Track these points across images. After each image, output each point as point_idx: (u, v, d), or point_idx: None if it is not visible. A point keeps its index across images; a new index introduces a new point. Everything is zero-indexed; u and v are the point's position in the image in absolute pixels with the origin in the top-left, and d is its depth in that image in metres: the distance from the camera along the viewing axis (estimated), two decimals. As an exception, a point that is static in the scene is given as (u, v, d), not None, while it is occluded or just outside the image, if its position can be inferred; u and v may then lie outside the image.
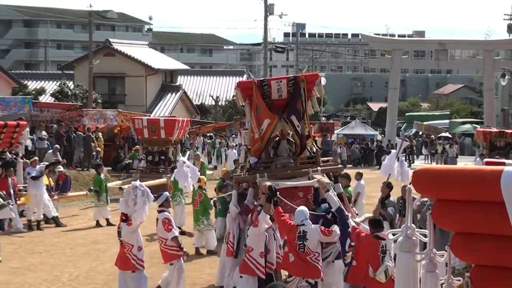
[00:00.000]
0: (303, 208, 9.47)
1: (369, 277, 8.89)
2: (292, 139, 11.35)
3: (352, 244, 9.51)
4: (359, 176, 17.42)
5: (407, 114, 63.39)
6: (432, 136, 44.70)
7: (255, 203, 10.61)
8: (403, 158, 14.05)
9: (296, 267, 9.28)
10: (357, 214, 10.55)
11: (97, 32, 60.49)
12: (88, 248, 15.69)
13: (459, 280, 6.03)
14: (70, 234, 17.41)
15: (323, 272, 9.58)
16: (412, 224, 5.87)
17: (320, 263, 9.32)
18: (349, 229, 9.46)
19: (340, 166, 11.89)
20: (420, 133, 48.92)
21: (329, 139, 43.68)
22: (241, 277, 10.01)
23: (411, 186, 5.62)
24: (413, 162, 39.86)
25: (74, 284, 12.42)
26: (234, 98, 12.66)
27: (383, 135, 48.10)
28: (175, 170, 17.04)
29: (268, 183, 9.95)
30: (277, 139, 11.45)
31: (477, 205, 5.22)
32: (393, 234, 6.16)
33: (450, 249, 5.66)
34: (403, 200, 13.68)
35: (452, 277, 5.94)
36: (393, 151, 14.42)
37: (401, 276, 5.77)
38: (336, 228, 9.34)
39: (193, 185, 15.90)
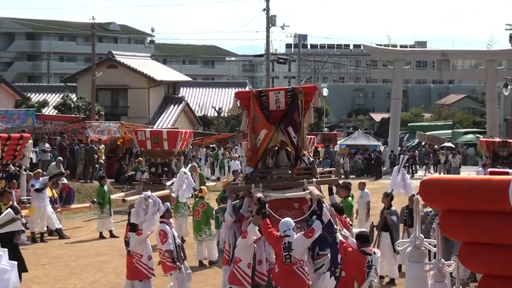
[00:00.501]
0: (287, 219, 9.51)
1: None
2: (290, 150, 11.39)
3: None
4: (362, 186, 17.43)
5: (409, 124, 63.41)
6: (435, 146, 44.69)
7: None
8: (405, 171, 14.06)
9: (282, 278, 9.36)
10: (351, 225, 10.51)
11: (99, 44, 60.58)
12: (91, 260, 15.65)
13: (468, 291, 5.99)
14: (73, 246, 17.37)
15: (315, 284, 9.55)
16: (421, 235, 5.84)
17: (305, 272, 9.38)
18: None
19: (335, 177, 11.97)
20: (423, 143, 48.89)
21: (332, 149, 43.73)
22: (230, 287, 10.08)
23: (419, 196, 5.59)
24: (416, 172, 39.88)
25: (78, 297, 12.38)
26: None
27: (385, 146, 48.07)
28: (175, 180, 17.20)
29: (258, 195, 10.00)
30: (276, 149, 11.51)
31: (485, 215, 5.19)
32: (401, 245, 6.14)
33: (458, 259, 5.63)
34: (409, 210, 13.69)
35: (460, 287, 5.90)
36: (395, 168, 14.38)
37: (411, 286, 5.74)
38: (316, 224, 9.39)
39: (193, 195, 15.89)
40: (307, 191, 10.20)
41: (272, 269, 9.78)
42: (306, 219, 10.05)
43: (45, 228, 18.19)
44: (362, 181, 18.88)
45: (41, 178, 18.45)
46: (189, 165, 23.17)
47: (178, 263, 10.62)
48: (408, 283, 5.96)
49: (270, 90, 11.48)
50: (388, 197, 13.77)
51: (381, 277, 13.41)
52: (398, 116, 46.09)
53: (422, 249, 5.83)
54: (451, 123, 61.73)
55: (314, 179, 10.73)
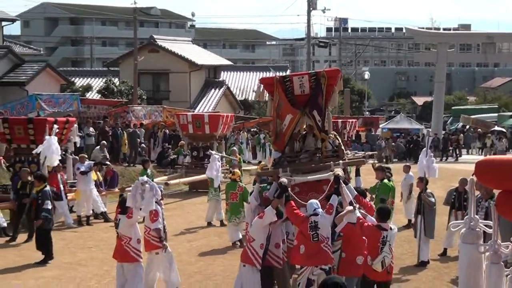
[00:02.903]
0: (313, 200, 9.80)
1: (367, 265, 9.11)
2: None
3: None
4: (407, 168, 17.51)
5: (453, 107, 62.36)
6: (479, 129, 43.96)
7: None
8: (432, 154, 13.93)
9: (309, 257, 9.52)
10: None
11: (140, 29, 60.79)
12: (136, 242, 15.74)
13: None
14: (118, 229, 17.49)
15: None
16: (476, 216, 5.69)
17: (330, 248, 9.61)
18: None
19: (362, 159, 12.12)
20: (467, 126, 48.10)
21: (373, 133, 43.38)
22: (244, 265, 10.20)
23: (474, 177, 5.45)
24: (460, 156, 39.35)
25: (124, 278, 12.45)
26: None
27: (428, 129, 47.43)
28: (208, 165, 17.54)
29: (281, 179, 10.23)
30: (304, 133, 11.71)
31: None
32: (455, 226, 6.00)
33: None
34: (458, 193, 13.66)
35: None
36: (422, 150, 14.15)
37: (465, 268, 5.62)
38: (332, 199, 9.65)
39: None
40: (330, 172, 10.36)
41: (294, 250, 9.91)
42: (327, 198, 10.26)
43: (91, 212, 18.41)
44: (407, 164, 18.82)
45: (86, 162, 18.67)
46: (232, 148, 23.43)
47: (164, 243, 10.89)
48: (462, 264, 5.84)
49: (294, 75, 11.67)
50: (422, 181, 13.71)
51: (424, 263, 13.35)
52: (442, 100, 45.44)
53: (477, 230, 5.69)
54: (496, 106, 60.49)
55: (340, 161, 10.93)
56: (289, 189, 10.13)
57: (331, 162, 10.86)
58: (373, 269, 9.00)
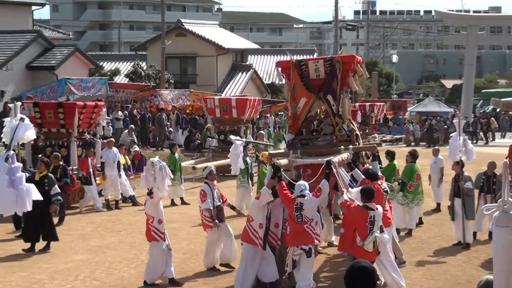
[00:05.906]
0: (302, 181, 10.01)
1: (355, 245, 9.29)
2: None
3: None
4: (436, 152, 17.49)
5: (483, 90, 61.57)
6: (511, 112, 43.38)
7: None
8: (466, 137, 13.69)
9: (292, 238, 9.76)
10: (386, 192, 10.67)
11: (168, 13, 60.61)
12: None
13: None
14: (146, 213, 17.57)
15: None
16: (510, 198, 5.60)
17: (313, 229, 9.70)
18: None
19: (373, 145, 12.37)
20: (498, 110, 47.47)
21: (401, 116, 43.06)
22: (242, 244, 10.48)
23: (508, 160, 5.35)
24: (493, 139, 38.87)
25: (152, 262, 12.54)
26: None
27: (456, 111, 46.94)
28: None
29: (278, 161, 10.47)
30: (322, 116, 11.98)
31: None
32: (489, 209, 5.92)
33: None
34: (486, 176, 13.63)
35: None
36: (454, 134, 13.86)
37: (498, 251, 5.54)
38: (323, 184, 9.77)
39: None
40: (330, 157, 10.46)
41: (285, 231, 10.19)
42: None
43: (120, 196, 18.50)
44: (436, 147, 18.75)
45: (113, 147, 18.58)
46: (261, 132, 23.41)
47: (216, 221, 11.26)
48: (495, 248, 5.76)
49: (309, 59, 11.91)
50: (457, 165, 13.54)
51: (460, 243, 13.25)
52: (472, 83, 44.98)
53: (511, 213, 5.62)
54: (528, 89, 59.57)
55: (350, 146, 11.16)
56: (282, 170, 10.23)
57: (341, 146, 11.12)
58: (363, 249, 9.12)
